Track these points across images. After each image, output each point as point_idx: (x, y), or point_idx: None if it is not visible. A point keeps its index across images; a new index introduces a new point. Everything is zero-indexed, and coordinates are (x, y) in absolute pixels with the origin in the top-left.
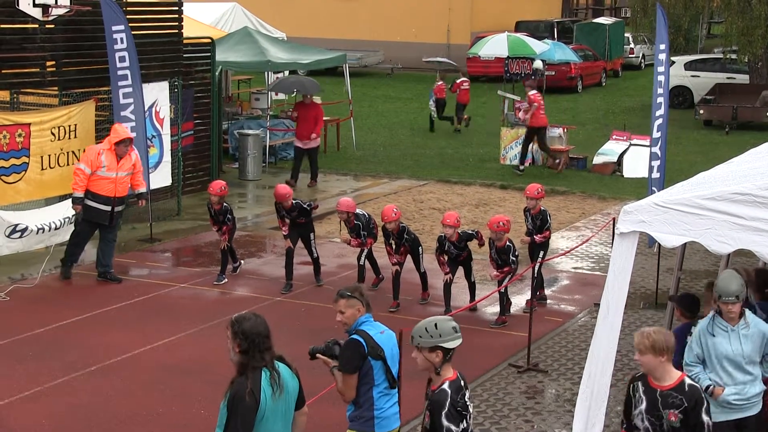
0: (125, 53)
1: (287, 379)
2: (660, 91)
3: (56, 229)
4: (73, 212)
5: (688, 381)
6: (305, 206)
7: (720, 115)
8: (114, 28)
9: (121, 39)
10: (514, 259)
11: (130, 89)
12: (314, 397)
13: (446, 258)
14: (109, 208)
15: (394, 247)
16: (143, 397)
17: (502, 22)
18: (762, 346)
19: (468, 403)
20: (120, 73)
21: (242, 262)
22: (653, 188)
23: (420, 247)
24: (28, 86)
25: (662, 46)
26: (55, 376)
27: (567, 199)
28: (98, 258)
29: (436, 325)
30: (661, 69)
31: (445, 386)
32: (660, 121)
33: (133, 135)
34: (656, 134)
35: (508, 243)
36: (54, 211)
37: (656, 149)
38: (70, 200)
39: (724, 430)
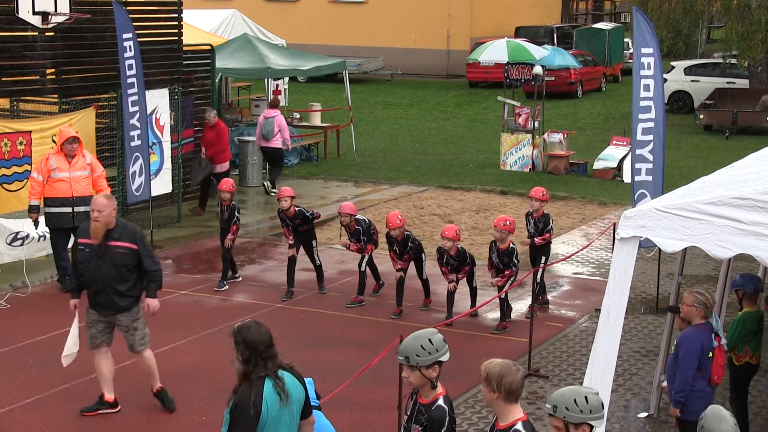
0: (133, 61)
1: (293, 387)
2: (648, 94)
3: None
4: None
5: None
6: (308, 214)
7: (720, 120)
8: (124, 36)
9: (130, 47)
10: (515, 261)
11: (136, 97)
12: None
13: (448, 268)
14: (69, 209)
15: (398, 253)
16: (144, 405)
17: (501, 27)
18: None
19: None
20: (129, 81)
21: (239, 277)
22: (643, 191)
23: (423, 254)
24: (28, 93)
25: (646, 50)
26: (55, 383)
27: (567, 204)
28: None
29: (430, 340)
30: (646, 72)
31: (441, 402)
32: (650, 124)
33: (75, 133)
34: (642, 137)
35: (511, 245)
36: None
37: (643, 151)
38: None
39: None
